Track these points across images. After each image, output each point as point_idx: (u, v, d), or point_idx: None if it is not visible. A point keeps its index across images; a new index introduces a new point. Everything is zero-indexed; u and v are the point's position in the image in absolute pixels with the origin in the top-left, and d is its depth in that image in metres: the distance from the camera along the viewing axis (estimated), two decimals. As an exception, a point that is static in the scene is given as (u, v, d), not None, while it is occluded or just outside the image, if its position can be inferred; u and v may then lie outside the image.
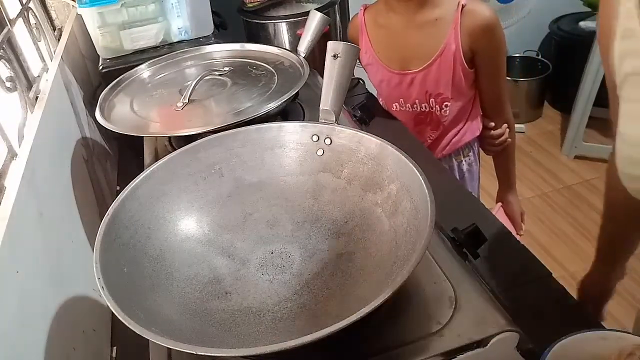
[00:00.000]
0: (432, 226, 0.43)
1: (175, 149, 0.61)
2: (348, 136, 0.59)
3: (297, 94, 0.78)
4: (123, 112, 0.79)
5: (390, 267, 0.47)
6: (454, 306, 0.47)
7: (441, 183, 0.83)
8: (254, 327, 0.47)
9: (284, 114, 0.81)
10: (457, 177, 1.15)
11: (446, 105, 1.04)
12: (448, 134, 1.10)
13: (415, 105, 1.07)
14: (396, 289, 0.38)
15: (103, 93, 0.83)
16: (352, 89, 1.18)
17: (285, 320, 0.47)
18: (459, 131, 1.09)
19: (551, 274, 0.68)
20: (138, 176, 0.55)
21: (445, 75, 0.99)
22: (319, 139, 0.61)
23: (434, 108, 1.05)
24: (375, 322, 0.46)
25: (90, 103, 1.05)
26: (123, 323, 0.39)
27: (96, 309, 0.68)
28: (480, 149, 1.16)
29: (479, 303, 0.47)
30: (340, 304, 0.47)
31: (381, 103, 1.14)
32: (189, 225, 0.57)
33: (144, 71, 0.92)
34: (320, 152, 0.61)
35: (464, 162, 1.14)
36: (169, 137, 0.82)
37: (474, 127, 1.10)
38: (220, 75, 0.85)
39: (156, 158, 0.78)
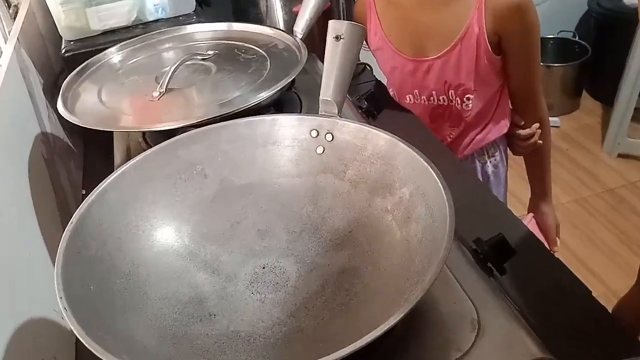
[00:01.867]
0: (451, 236, 0.43)
1: (151, 146, 0.61)
2: (353, 131, 0.59)
3: (293, 81, 0.78)
4: (89, 103, 0.79)
5: (403, 284, 0.47)
6: (476, 330, 0.47)
7: (462, 186, 0.83)
8: (243, 354, 0.47)
9: (278, 105, 0.81)
10: (481, 180, 1.16)
11: (468, 99, 1.04)
12: (471, 132, 1.10)
13: (432, 98, 1.07)
14: (409, 309, 0.38)
15: (66, 81, 0.83)
16: (357, 76, 1.18)
17: (280, 346, 0.47)
18: (483, 128, 1.10)
19: (590, 292, 0.68)
20: (107, 177, 0.55)
21: (467, 63, 0.99)
22: (318, 134, 0.61)
23: (454, 101, 1.06)
24: (384, 349, 0.46)
25: (52, 92, 1.05)
26: (89, 349, 0.39)
27: (58, 333, 0.68)
28: (508, 148, 1.17)
29: (506, 326, 0.47)
30: (344, 328, 0.47)
31: (392, 95, 1.14)
32: (166, 235, 0.56)
33: (114, 55, 0.92)
34: (320, 150, 0.61)
35: (488, 163, 1.15)
36: (143, 133, 0.82)
37: (501, 124, 1.10)
38: (203, 60, 0.85)
39: (128, 157, 0.78)
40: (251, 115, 0.64)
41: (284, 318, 0.50)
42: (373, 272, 0.52)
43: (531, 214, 1.19)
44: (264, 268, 0.55)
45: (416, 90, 1.08)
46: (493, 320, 0.48)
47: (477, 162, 1.15)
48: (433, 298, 0.50)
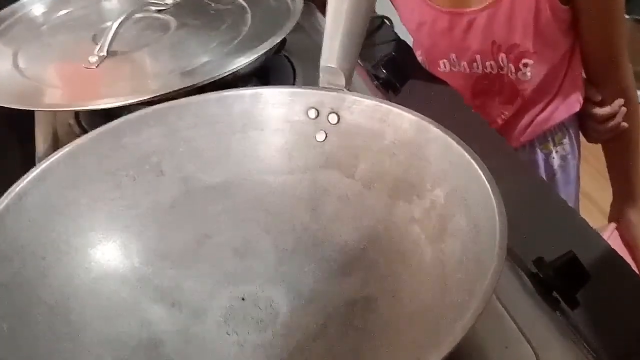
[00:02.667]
0: (502, 255, 0.43)
1: (87, 132, 0.61)
2: (366, 110, 0.59)
3: (283, 41, 0.78)
4: (1, 72, 0.79)
5: (435, 322, 0.47)
6: (537, 383, 0.47)
7: (517, 186, 0.83)
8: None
9: (262, 75, 0.81)
10: (545, 176, 1.16)
11: (525, 65, 1.05)
12: (530, 111, 1.11)
13: (475, 64, 1.08)
14: (444, 356, 0.38)
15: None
16: (372, 34, 1.18)
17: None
18: (547, 106, 1.11)
19: (696, 331, 0.68)
20: (26, 175, 0.55)
21: (524, 16, 1.00)
22: (319, 114, 0.61)
23: (507, 68, 1.06)
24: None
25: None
26: None
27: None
28: (581, 133, 1.17)
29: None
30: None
31: (420, 60, 1.15)
32: (108, 253, 0.57)
33: (35, 4, 0.92)
34: (321, 137, 0.61)
35: (554, 153, 1.16)
36: (76, 113, 0.82)
37: (571, 100, 1.11)
38: (158, 11, 0.85)
39: (55, 147, 0.78)
40: (225, 88, 0.64)
41: (271, 368, 0.50)
42: (394, 304, 0.52)
43: (613, 224, 1.19)
44: (243, 299, 0.55)
45: (453, 54, 1.08)
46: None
47: (538, 152, 1.15)
48: (478, 340, 0.50)
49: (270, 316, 0.53)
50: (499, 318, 0.52)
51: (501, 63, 1.05)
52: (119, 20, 0.79)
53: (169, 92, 0.67)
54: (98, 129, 0.60)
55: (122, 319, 0.53)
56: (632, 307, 0.72)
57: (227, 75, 0.71)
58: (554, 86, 1.08)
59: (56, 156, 0.58)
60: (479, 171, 0.49)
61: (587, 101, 1.11)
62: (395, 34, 1.20)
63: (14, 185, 0.54)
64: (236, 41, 0.78)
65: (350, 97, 0.60)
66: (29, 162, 0.70)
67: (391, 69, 1.01)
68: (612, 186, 1.19)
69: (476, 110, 1.08)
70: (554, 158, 1.15)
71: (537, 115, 1.11)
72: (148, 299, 0.55)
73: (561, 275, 0.58)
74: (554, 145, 1.14)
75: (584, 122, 1.14)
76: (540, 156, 1.15)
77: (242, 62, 0.72)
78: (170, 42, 0.81)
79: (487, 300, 0.40)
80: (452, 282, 0.48)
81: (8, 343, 0.46)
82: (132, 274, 0.56)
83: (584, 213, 1.08)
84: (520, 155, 1.13)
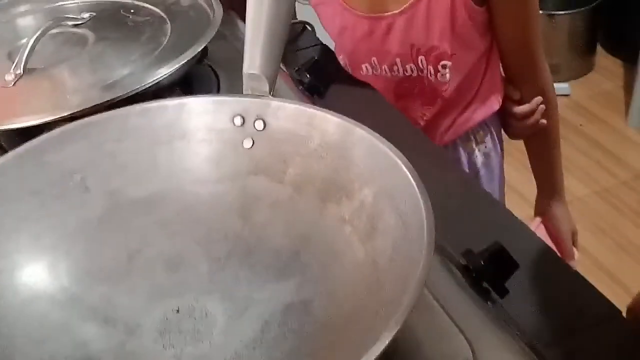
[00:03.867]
0: (430, 249, 0.44)
1: (6, 152, 0.59)
2: (291, 114, 0.60)
3: (205, 50, 0.78)
4: None
5: (371, 320, 0.47)
6: (473, 373, 0.48)
7: (443, 183, 0.84)
8: None
9: (185, 85, 0.81)
10: (469, 175, 1.18)
11: (444, 67, 1.06)
12: (450, 111, 1.12)
13: (396, 68, 1.09)
14: (380, 352, 0.38)
15: None
16: (294, 39, 1.19)
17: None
18: (467, 106, 1.12)
19: (620, 312, 0.70)
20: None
21: (440, 18, 1.01)
22: (244, 121, 0.61)
23: (426, 71, 1.08)
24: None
25: None
26: None
27: None
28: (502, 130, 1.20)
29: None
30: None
31: (343, 64, 1.15)
32: (36, 274, 0.56)
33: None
34: (248, 143, 0.61)
35: (477, 152, 1.18)
36: (-5, 133, 0.80)
37: (491, 100, 1.13)
38: (75, 25, 0.84)
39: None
40: (148, 100, 0.63)
41: (210, 379, 0.50)
42: (330, 305, 0.52)
43: (539, 219, 1.22)
44: (177, 312, 0.55)
45: (374, 58, 1.10)
46: (493, 359, 0.49)
47: (461, 151, 1.17)
48: (413, 335, 0.51)
49: (207, 326, 0.53)
50: (433, 312, 0.53)
51: (421, 65, 1.07)
52: (35, 36, 0.78)
53: (91, 107, 0.67)
54: (19, 147, 0.59)
55: (54, 341, 0.52)
56: (559, 293, 0.74)
57: (150, 87, 0.71)
58: (473, 87, 1.10)
59: (-26, 178, 0.56)
60: (405, 169, 0.50)
61: (507, 99, 1.13)
62: (318, 38, 1.21)
63: None
64: (157, 52, 0.78)
65: (275, 103, 0.60)
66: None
67: (315, 73, 1.01)
68: (536, 181, 1.22)
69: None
70: (476, 156, 1.17)
71: (458, 115, 1.12)
72: (80, 318, 0.54)
73: (490, 266, 0.59)
74: (476, 143, 1.17)
75: (505, 121, 1.17)
76: (463, 155, 1.17)
77: (163, 72, 0.72)
78: (89, 56, 0.80)
79: (417, 294, 0.41)
80: (385, 279, 0.49)
81: None
82: (61, 294, 0.56)
83: (511, 206, 1.10)
84: (445, 154, 1.15)
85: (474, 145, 1.17)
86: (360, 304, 0.50)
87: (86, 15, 0.86)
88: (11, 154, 0.59)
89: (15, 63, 0.77)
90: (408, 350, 0.50)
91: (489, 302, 0.57)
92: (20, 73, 0.76)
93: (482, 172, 1.19)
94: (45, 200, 0.59)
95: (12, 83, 0.76)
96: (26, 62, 0.77)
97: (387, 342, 0.39)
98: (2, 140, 0.79)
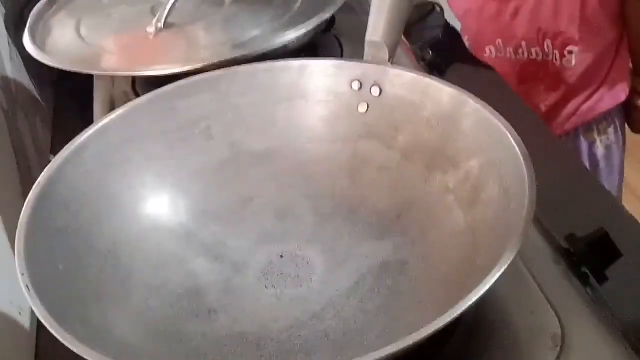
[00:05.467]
0: (529, 219, 0.44)
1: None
2: (408, 83, 0.61)
3: (332, 19, 0.80)
4: (64, 39, 0.83)
5: (463, 282, 0.48)
6: (559, 348, 0.48)
7: (559, 171, 0.83)
8: (250, 361, 0.50)
9: (310, 52, 0.82)
10: (588, 166, 1.15)
11: (570, 52, 1.05)
12: (574, 99, 1.11)
13: (520, 50, 1.08)
14: (465, 308, 0.39)
15: (35, 10, 0.87)
16: (423, 18, 1.19)
17: (297, 353, 0.49)
18: (592, 94, 1.10)
19: None
20: (86, 130, 0.59)
21: (570, 3, 1.00)
22: (362, 86, 0.63)
23: (552, 55, 1.07)
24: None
25: (15, 25, 1.09)
26: (51, 343, 0.41)
27: (13, 331, 0.71)
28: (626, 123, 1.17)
29: (600, 347, 0.49)
30: (382, 335, 0.50)
31: (467, 45, 1.15)
32: (157, 208, 0.60)
33: (97, -22, 0.95)
34: (363, 108, 0.63)
35: (598, 142, 1.15)
36: (133, 79, 0.85)
37: (617, 89, 1.11)
38: (215, -14, 0.87)
39: (111, 110, 0.81)
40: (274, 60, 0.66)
41: (304, 320, 0.52)
42: (425, 267, 0.54)
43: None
44: (281, 257, 0.58)
45: (499, 40, 1.09)
46: (581, 338, 0.49)
47: (582, 140, 1.15)
48: (504, 303, 0.51)
49: (306, 273, 0.56)
50: (528, 285, 0.53)
51: (546, 49, 1.05)
52: (176, -6, 0.82)
53: (220, 62, 0.69)
54: (152, 91, 0.64)
55: (168, 268, 0.56)
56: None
57: (276, 50, 0.73)
58: (599, 75, 1.08)
59: (113, 115, 0.61)
60: (513, 143, 0.50)
61: (633, 92, 1.10)
62: (445, 19, 1.21)
63: (74, 139, 0.58)
64: (287, 16, 0.80)
65: (393, 70, 0.61)
66: (87, 126, 0.73)
67: (437, 50, 1.02)
68: None
69: (521, 96, 1.08)
70: (597, 147, 1.15)
71: (582, 103, 1.10)
72: (193, 252, 0.58)
73: (591, 251, 0.58)
74: (598, 134, 1.14)
75: (630, 113, 1.13)
76: (583, 144, 1.15)
77: (291, 36, 0.74)
78: (223, 16, 0.83)
79: (509, 259, 0.41)
80: (482, 246, 0.50)
81: (63, 279, 0.49)
82: (179, 228, 0.60)
83: (625, 203, 1.07)
84: (564, 143, 1.13)
85: (595, 135, 1.14)
86: (455, 268, 0.51)
87: (225, -22, 0.90)
88: (145, 97, 0.63)
89: (156, 17, 0.81)
90: (497, 319, 0.51)
91: (586, 287, 0.56)
92: (160, 27, 0.80)
93: (602, 164, 1.16)
94: (172, 142, 0.63)
95: (153, 35, 0.80)
96: (166, 18, 0.81)
97: (474, 299, 0.40)
98: (138, 89, 0.85)
